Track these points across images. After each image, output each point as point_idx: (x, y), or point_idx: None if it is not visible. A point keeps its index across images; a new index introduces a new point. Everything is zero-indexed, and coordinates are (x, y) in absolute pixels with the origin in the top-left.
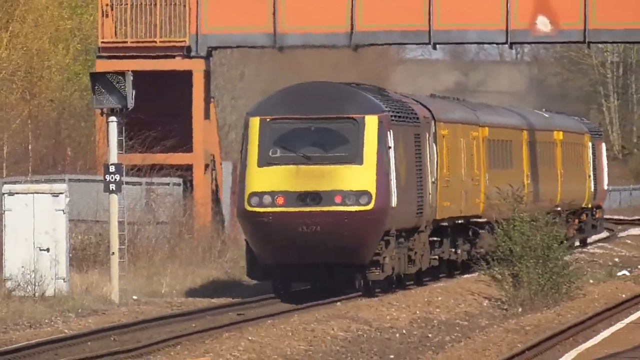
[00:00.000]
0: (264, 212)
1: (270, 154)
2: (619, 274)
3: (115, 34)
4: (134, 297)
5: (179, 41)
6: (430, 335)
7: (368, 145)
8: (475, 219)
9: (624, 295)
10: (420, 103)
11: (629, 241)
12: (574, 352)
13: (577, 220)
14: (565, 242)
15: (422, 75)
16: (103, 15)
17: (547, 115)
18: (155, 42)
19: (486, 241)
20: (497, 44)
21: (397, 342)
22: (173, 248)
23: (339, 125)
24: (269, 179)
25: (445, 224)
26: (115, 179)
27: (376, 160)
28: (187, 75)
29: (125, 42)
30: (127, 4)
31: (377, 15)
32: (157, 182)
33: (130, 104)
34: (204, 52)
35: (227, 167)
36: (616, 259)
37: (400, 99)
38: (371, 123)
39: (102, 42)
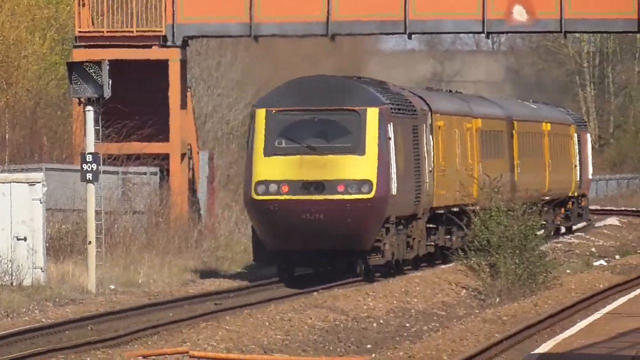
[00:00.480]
0: (269, 200)
1: (275, 144)
2: (596, 264)
3: (92, 23)
4: (111, 287)
5: (156, 31)
6: (407, 325)
7: (369, 136)
8: (469, 207)
9: (601, 285)
10: (418, 95)
11: (605, 231)
12: (551, 342)
13: (563, 209)
14: (542, 232)
15: (398, 65)
16: (80, 5)
17: (535, 107)
18: (132, 31)
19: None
20: (474, 33)
21: (375, 331)
22: (150, 238)
23: (341, 117)
24: (275, 168)
25: (441, 211)
26: (92, 169)
27: (377, 150)
28: (164, 64)
29: (102, 31)
30: None
31: (353, 5)
32: (133, 172)
33: (107, 93)
34: (180, 41)
35: (204, 156)
36: (593, 249)
37: (399, 91)
38: (372, 115)
39: (79, 32)
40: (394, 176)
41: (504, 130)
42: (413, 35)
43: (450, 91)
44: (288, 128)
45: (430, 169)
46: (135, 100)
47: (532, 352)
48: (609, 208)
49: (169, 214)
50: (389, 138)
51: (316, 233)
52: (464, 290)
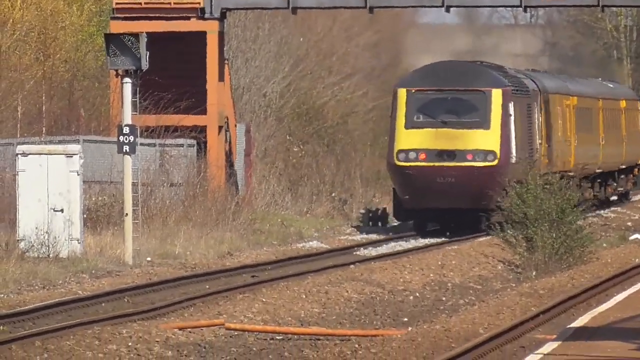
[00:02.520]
0: (409, 165)
1: (414, 118)
2: (632, 237)
3: None
4: (148, 259)
5: (194, 2)
6: (444, 298)
7: (494, 113)
8: (567, 173)
9: (637, 260)
10: (529, 77)
11: None
12: (587, 316)
13: (632, 175)
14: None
15: (435, 38)
16: None
17: (611, 86)
18: (170, 3)
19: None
20: (512, 7)
21: (411, 304)
22: (187, 210)
23: (470, 96)
24: (414, 139)
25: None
26: (129, 140)
27: (500, 125)
28: (202, 36)
29: (140, 3)
30: None
31: None
32: (171, 144)
33: (145, 65)
34: (218, 13)
35: (241, 129)
36: (629, 223)
37: (515, 74)
38: (497, 95)
39: (117, 3)
40: (513, 147)
41: (592, 107)
42: (451, 9)
43: (545, 72)
44: (425, 105)
45: (540, 141)
46: (173, 72)
47: (569, 326)
48: None
49: (206, 187)
50: (510, 115)
51: (447, 194)
52: (501, 264)
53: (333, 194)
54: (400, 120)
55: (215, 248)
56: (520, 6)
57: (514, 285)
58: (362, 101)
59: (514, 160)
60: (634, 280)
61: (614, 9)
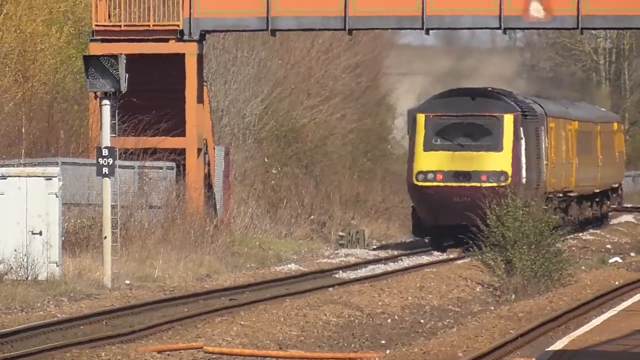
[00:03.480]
0: (427, 186)
1: (433, 142)
2: (611, 260)
3: (109, 17)
4: (127, 282)
5: (173, 25)
6: (422, 321)
7: (506, 136)
8: (568, 193)
9: (616, 282)
10: (537, 103)
11: (621, 228)
12: (566, 339)
13: (617, 195)
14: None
15: (416, 59)
16: None
17: (604, 110)
18: (149, 25)
19: (575, 210)
20: (491, 29)
21: (389, 327)
22: (166, 232)
23: (484, 121)
24: (432, 161)
25: (551, 196)
26: (108, 163)
27: (512, 148)
28: (181, 59)
29: (119, 25)
30: None
31: (370, 1)
32: (150, 166)
33: (124, 87)
34: (197, 35)
35: (220, 151)
36: (608, 246)
37: (524, 100)
38: (508, 120)
39: (96, 25)
40: (523, 168)
41: (591, 131)
42: (431, 31)
43: (547, 98)
44: (443, 129)
45: (546, 162)
46: (152, 94)
47: (547, 349)
48: (624, 205)
49: (185, 209)
50: (521, 138)
51: (463, 212)
52: (479, 286)
53: (312, 217)
54: (420, 143)
55: (194, 271)
56: (500, 28)
57: (492, 308)
58: (340, 123)
59: (524, 180)
60: (613, 303)
61: (593, 31)
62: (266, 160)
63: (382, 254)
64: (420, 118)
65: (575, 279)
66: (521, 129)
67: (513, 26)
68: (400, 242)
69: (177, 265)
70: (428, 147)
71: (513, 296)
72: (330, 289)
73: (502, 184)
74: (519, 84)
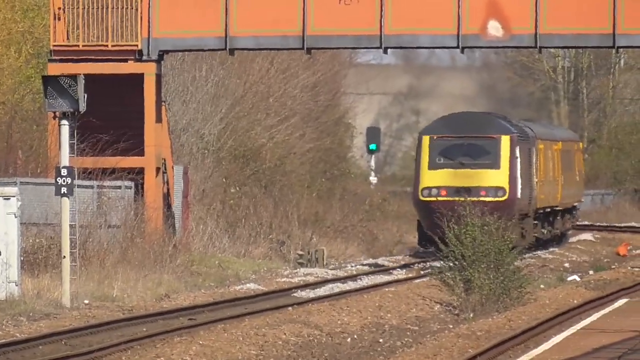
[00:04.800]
0: (432, 200)
1: (436, 160)
2: (570, 279)
3: (68, 38)
4: (85, 301)
5: (131, 45)
6: (381, 340)
7: (503, 156)
8: (554, 208)
9: (574, 301)
10: (527, 126)
11: (579, 246)
12: (525, 358)
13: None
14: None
15: (374, 78)
16: (55, 19)
17: (569, 130)
18: (107, 45)
19: (559, 223)
20: (449, 48)
21: (348, 347)
22: (124, 252)
23: (483, 142)
24: (436, 178)
25: (541, 211)
26: (67, 182)
27: (509, 166)
28: (139, 78)
29: (77, 45)
30: (79, 8)
31: (329, 20)
32: (108, 186)
33: (82, 107)
34: (156, 55)
35: (178, 170)
36: (567, 264)
37: (518, 123)
38: (505, 141)
39: (54, 46)
40: (519, 185)
41: (570, 150)
42: (389, 50)
43: (530, 120)
44: (446, 149)
45: (537, 179)
46: (111, 114)
47: None
48: (583, 223)
49: (143, 229)
50: (516, 157)
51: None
52: (438, 305)
53: (271, 236)
54: (425, 162)
55: (152, 290)
56: (458, 47)
57: (451, 326)
58: (299, 143)
59: (519, 195)
60: (572, 321)
61: (552, 50)
62: (224, 179)
63: (341, 273)
64: (425, 139)
65: (534, 297)
66: (517, 148)
67: (471, 45)
68: (359, 261)
69: (136, 285)
70: (432, 165)
71: (472, 315)
72: (290, 308)
73: (500, 198)
74: (481, 103)
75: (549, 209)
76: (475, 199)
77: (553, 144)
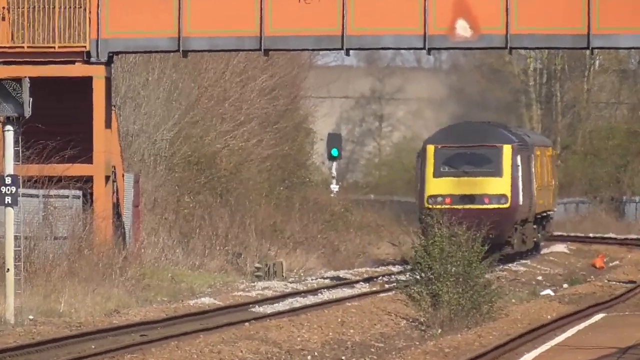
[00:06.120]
0: (437, 208)
1: (441, 169)
2: (543, 293)
3: (12, 39)
4: (30, 317)
5: (79, 46)
6: (343, 357)
7: (505, 164)
8: (548, 212)
9: (548, 316)
10: (525, 134)
11: (553, 258)
12: None
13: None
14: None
15: (335, 80)
16: None
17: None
18: (54, 47)
19: (551, 227)
20: (415, 49)
21: None
22: (72, 264)
23: (486, 151)
24: (441, 186)
25: (539, 216)
26: (11, 191)
27: (510, 174)
28: (88, 82)
29: (22, 47)
30: (24, 7)
31: (287, 19)
32: (55, 195)
33: (28, 112)
34: (105, 57)
35: (129, 179)
36: (540, 278)
37: (517, 131)
38: (507, 149)
39: None
40: (520, 191)
41: (552, 156)
42: (351, 52)
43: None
44: (450, 158)
45: (536, 185)
46: (58, 119)
47: None
48: (557, 234)
49: (92, 240)
50: (518, 165)
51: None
52: (404, 321)
53: (227, 247)
54: (429, 170)
55: (101, 305)
56: (424, 48)
57: (418, 343)
58: (257, 149)
59: (521, 202)
60: (545, 337)
61: (523, 51)
62: (177, 188)
63: (301, 286)
64: (430, 148)
65: (506, 312)
66: (518, 157)
67: (438, 46)
68: (319, 274)
69: (84, 300)
70: (437, 173)
71: (439, 331)
72: (247, 324)
73: (503, 205)
74: (450, 106)
75: (544, 214)
76: (479, 206)
77: (546, 150)
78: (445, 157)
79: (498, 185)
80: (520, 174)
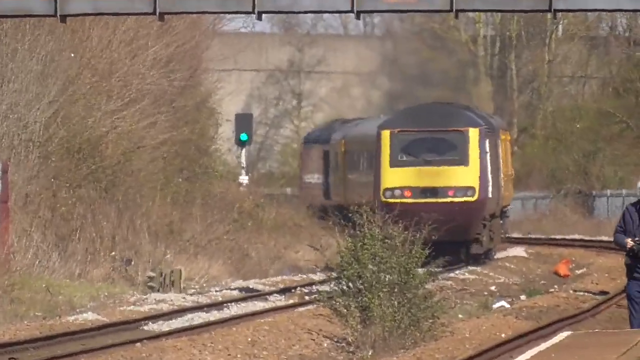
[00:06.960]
0: (395, 202)
1: (398, 158)
2: (496, 306)
3: None
4: None
5: None
6: None
7: (472, 151)
8: (508, 206)
9: (502, 334)
10: (491, 116)
11: (508, 264)
12: None
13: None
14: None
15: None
16: None
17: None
18: None
19: (507, 226)
20: (340, 12)
21: None
22: None
23: (450, 136)
24: (399, 177)
25: (505, 210)
26: None
27: (478, 162)
28: None
29: None
30: None
31: None
32: None
33: None
34: None
35: None
36: (492, 287)
37: (483, 114)
38: (474, 134)
39: None
40: (490, 182)
41: (510, 139)
42: (264, 15)
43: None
44: (408, 145)
45: (503, 175)
46: None
47: None
48: (512, 235)
49: None
50: (486, 152)
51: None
52: (328, 340)
53: (113, 252)
54: (385, 159)
55: None
56: (352, 11)
57: None
58: (150, 133)
59: (490, 195)
60: None
61: (471, 14)
62: (53, 180)
63: (203, 299)
64: (385, 134)
65: (451, 330)
66: (486, 142)
67: (369, 9)
68: (225, 284)
69: None
70: (394, 163)
71: (371, 352)
72: (138, 344)
73: (470, 199)
74: (383, 82)
75: (509, 207)
76: (442, 200)
77: (505, 134)
78: (403, 144)
79: (464, 176)
80: (488, 162)
